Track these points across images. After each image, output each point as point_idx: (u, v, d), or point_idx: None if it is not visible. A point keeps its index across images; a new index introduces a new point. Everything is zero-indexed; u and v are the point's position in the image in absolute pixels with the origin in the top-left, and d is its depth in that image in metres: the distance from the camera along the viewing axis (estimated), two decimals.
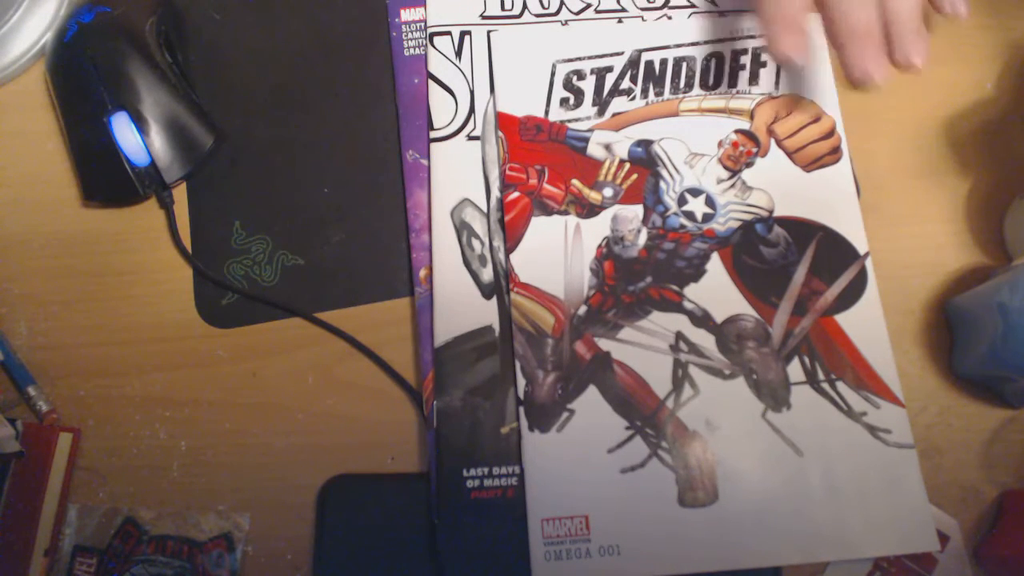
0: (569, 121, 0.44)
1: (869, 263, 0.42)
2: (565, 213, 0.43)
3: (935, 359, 0.43)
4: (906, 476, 0.39)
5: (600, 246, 0.42)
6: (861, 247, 0.43)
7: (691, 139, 0.44)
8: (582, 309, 0.41)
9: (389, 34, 0.47)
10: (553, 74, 0.45)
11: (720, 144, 0.44)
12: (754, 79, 0.45)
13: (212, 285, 0.44)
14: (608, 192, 0.43)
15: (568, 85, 0.45)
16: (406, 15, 0.47)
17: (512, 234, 0.42)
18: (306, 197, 0.45)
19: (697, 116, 0.45)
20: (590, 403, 0.40)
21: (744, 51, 0.46)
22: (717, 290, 0.42)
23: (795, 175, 0.44)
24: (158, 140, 0.43)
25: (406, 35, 0.47)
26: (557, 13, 0.47)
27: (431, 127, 0.44)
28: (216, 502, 0.41)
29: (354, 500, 0.40)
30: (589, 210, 0.43)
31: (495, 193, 0.43)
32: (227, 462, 0.41)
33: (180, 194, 0.45)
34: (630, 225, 0.43)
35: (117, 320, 0.43)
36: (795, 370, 0.41)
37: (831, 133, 0.44)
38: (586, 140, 0.44)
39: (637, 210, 0.43)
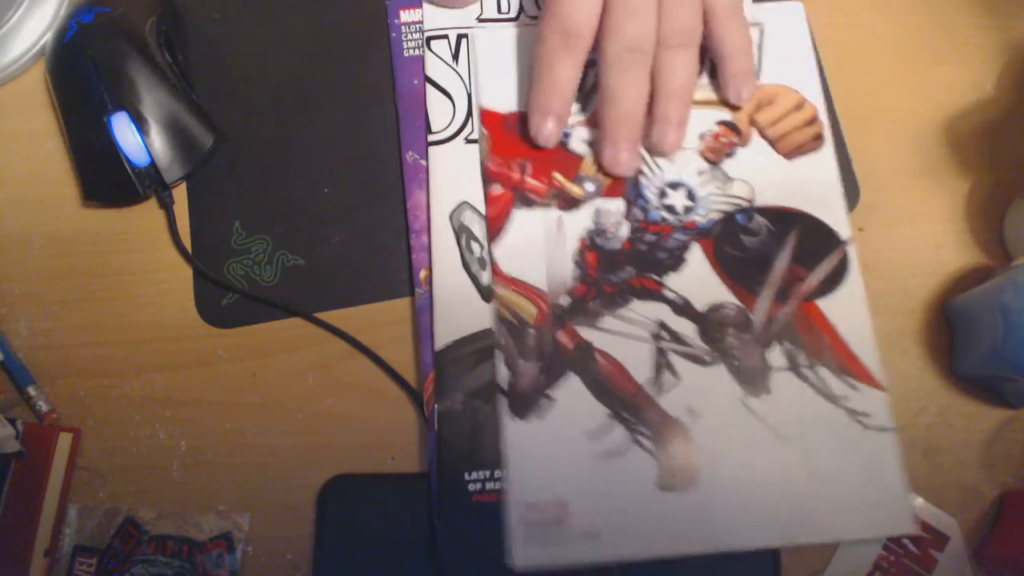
0: None
1: (851, 249, 0.42)
2: (547, 206, 0.43)
3: (935, 359, 0.43)
4: (884, 459, 0.39)
5: (583, 238, 0.42)
6: (843, 233, 0.42)
7: None
8: (565, 300, 0.41)
9: (389, 35, 0.47)
10: None
11: (701, 137, 0.44)
12: None
13: (212, 285, 0.44)
14: (590, 186, 0.43)
15: None
16: (405, 16, 0.47)
17: (494, 227, 0.42)
18: (306, 197, 0.45)
19: None
20: (571, 391, 0.40)
21: None
22: (699, 279, 0.42)
23: (777, 164, 0.44)
24: (158, 140, 0.43)
25: (406, 36, 0.46)
26: None
27: (429, 130, 0.44)
28: (216, 502, 0.41)
29: (354, 500, 0.40)
30: (571, 203, 0.43)
31: None
32: (227, 462, 0.41)
33: (180, 194, 0.45)
34: (612, 219, 0.43)
35: (117, 320, 0.43)
36: (776, 356, 0.41)
37: (813, 120, 0.44)
38: (568, 135, 0.44)
39: (619, 204, 0.43)
